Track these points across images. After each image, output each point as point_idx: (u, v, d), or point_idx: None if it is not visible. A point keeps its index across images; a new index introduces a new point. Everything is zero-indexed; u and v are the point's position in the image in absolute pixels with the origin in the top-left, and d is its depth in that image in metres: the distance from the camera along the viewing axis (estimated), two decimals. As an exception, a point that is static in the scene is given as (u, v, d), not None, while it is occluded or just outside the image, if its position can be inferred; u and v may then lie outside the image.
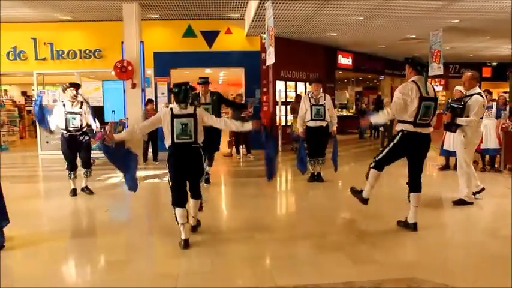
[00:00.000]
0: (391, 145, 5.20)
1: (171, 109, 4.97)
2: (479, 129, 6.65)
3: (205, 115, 5.13)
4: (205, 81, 8.05)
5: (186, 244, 4.89)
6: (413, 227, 5.23)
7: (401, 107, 5.02)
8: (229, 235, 5.43)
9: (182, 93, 4.93)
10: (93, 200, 7.47)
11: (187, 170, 4.99)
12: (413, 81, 5.09)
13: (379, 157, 5.24)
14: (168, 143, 4.96)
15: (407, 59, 5.24)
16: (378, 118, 5.31)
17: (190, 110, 4.96)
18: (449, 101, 7.01)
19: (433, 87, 5.15)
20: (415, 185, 5.25)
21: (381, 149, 5.37)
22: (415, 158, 5.21)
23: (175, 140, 4.89)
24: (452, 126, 6.54)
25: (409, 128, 5.06)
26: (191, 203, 5.16)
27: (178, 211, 4.89)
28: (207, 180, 8.18)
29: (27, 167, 11.70)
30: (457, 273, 4.17)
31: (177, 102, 4.98)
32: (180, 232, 4.90)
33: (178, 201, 4.92)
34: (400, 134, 5.15)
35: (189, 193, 5.11)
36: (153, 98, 12.72)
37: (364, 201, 5.41)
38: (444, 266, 4.34)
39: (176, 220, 4.92)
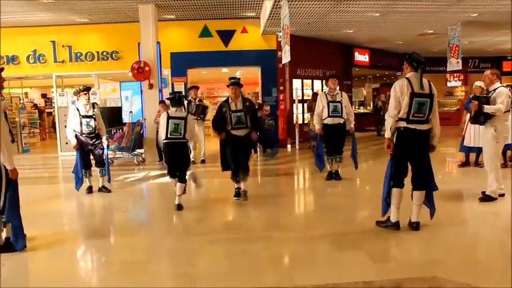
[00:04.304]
0: (393, 149, 5.12)
1: (167, 112, 6.68)
2: (506, 122, 6.52)
3: (192, 125, 6.84)
4: (235, 82, 6.89)
5: (178, 207, 6.56)
6: (415, 226, 5.12)
7: (396, 104, 4.98)
8: (247, 234, 5.43)
9: (176, 99, 6.70)
10: (112, 200, 7.55)
11: (176, 157, 6.67)
12: (406, 77, 5.04)
13: (392, 171, 5.11)
14: (163, 137, 6.59)
15: (404, 55, 5.16)
16: (387, 123, 5.19)
17: (183, 114, 6.69)
18: (471, 96, 6.88)
19: (429, 84, 5.03)
20: (417, 182, 5.13)
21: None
22: (416, 155, 5.10)
23: (168, 135, 6.54)
24: (480, 117, 6.34)
25: (403, 124, 4.99)
26: (177, 186, 6.61)
27: (172, 180, 6.77)
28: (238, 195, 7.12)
29: (48, 168, 11.87)
30: (479, 273, 4.08)
31: (172, 106, 6.70)
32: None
33: (171, 175, 6.75)
34: (396, 133, 5.07)
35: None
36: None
37: (397, 226, 5.14)
38: (466, 264, 4.27)
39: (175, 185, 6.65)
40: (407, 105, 4.92)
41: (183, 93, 6.83)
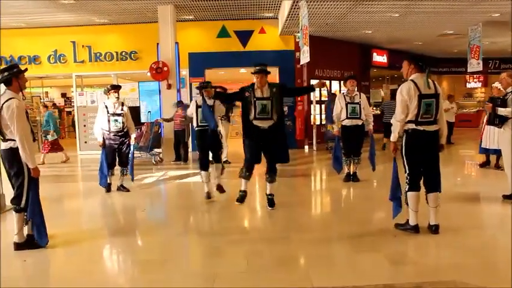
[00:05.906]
0: (403, 153, 5.06)
1: (196, 101, 7.16)
2: None
3: (219, 108, 7.18)
4: (261, 70, 6.34)
5: (208, 195, 7.02)
6: (435, 229, 5.05)
7: (404, 109, 4.94)
8: (265, 235, 5.43)
9: (206, 86, 6.88)
10: (130, 199, 7.61)
11: (208, 144, 7.08)
12: (411, 79, 4.99)
13: (406, 175, 5.08)
14: (195, 125, 7.13)
15: (408, 57, 5.15)
16: (394, 128, 5.15)
17: (210, 102, 6.83)
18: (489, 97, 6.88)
19: (434, 83, 5.00)
20: (430, 184, 5.08)
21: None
22: (426, 157, 5.04)
23: (199, 123, 7.03)
24: (495, 119, 6.34)
25: (412, 126, 4.95)
26: (214, 166, 7.19)
27: (203, 173, 7.07)
28: None
29: (67, 167, 12.01)
30: (499, 277, 4.00)
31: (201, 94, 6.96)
32: (204, 187, 7.11)
33: (203, 166, 7.07)
34: (405, 135, 5.04)
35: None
36: (184, 99, 12.79)
37: (416, 229, 5.08)
38: (486, 268, 4.21)
39: (202, 179, 7.14)
40: (416, 108, 4.89)
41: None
